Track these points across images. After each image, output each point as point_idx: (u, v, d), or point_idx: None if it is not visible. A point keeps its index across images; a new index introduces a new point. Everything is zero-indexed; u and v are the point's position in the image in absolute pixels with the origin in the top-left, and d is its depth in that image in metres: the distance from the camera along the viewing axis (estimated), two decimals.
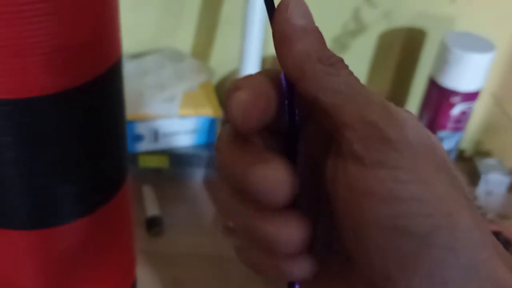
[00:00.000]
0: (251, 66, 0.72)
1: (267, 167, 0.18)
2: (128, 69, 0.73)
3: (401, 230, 0.16)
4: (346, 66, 0.19)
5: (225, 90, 0.21)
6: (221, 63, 0.90)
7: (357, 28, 0.81)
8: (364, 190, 0.17)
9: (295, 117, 0.20)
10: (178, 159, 0.82)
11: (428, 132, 0.18)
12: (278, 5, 0.19)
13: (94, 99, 0.30)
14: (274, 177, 0.17)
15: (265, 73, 0.20)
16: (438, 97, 0.71)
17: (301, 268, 0.19)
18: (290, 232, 0.18)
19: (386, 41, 0.83)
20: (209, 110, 0.80)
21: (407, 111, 0.18)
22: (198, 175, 0.85)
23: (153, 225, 0.75)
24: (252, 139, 0.20)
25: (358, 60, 0.84)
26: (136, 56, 0.82)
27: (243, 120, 0.18)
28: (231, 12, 0.84)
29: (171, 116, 0.76)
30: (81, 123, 0.30)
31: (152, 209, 0.77)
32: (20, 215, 0.31)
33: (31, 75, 0.26)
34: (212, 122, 0.83)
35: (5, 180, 0.30)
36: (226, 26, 0.85)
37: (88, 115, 0.30)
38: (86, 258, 0.35)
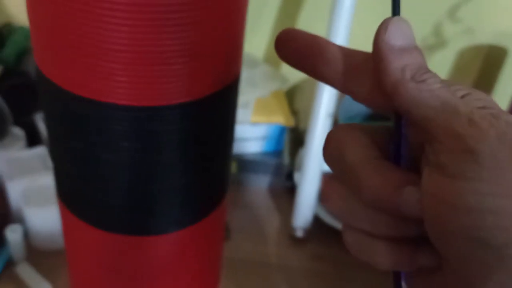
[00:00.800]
0: None
1: (416, 189, 0.19)
2: None
3: (478, 241, 0.17)
4: (438, 81, 0.20)
5: None
6: (292, 70, 0.89)
7: (437, 43, 0.79)
8: (445, 200, 0.18)
9: (401, 139, 0.21)
10: (246, 165, 0.81)
11: None
12: (379, 27, 0.21)
13: (218, 108, 0.30)
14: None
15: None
16: None
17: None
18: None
19: (466, 58, 0.81)
20: (281, 118, 0.79)
21: (505, 114, 0.19)
22: (264, 182, 0.85)
23: None
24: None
25: None
26: None
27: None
28: (307, 19, 0.84)
29: (244, 122, 0.76)
30: (203, 131, 0.30)
31: None
32: (123, 219, 0.32)
33: (166, 84, 0.26)
34: (282, 130, 0.82)
35: (116, 183, 0.30)
36: None
37: (209, 124, 0.30)
38: (179, 267, 0.35)
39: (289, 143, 0.88)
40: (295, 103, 0.89)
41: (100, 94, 0.26)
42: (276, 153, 0.85)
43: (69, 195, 0.33)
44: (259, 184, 0.84)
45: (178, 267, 0.35)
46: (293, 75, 0.89)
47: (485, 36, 0.79)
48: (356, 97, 0.22)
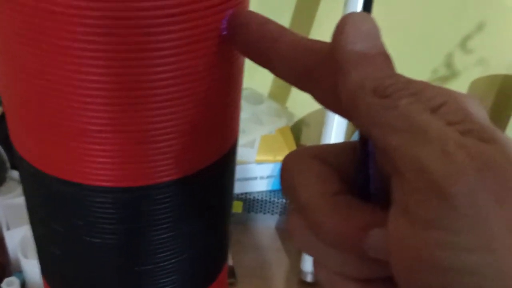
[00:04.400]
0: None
1: (384, 232, 0.16)
2: None
3: None
4: (408, 93, 0.15)
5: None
6: (297, 105, 0.87)
7: (449, 74, 0.77)
8: (413, 253, 0.14)
9: (368, 168, 0.17)
10: (252, 205, 0.78)
11: (508, 173, 0.14)
12: (335, 28, 0.17)
13: (213, 181, 0.27)
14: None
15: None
16: None
17: None
18: None
19: (479, 89, 0.78)
20: None
21: (489, 131, 0.14)
22: (271, 222, 0.81)
23: (227, 275, 0.72)
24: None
25: None
26: None
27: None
28: None
29: (249, 162, 0.73)
30: (197, 206, 0.27)
31: None
32: None
33: (153, 162, 0.24)
34: None
35: (102, 265, 0.27)
36: None
37: (204, 198, 0.27)
38: None
39: None
40: (302, 138, 0.86)
41: (80, 176, 0.23)
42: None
43: (52, 274, 0.30)
44: (267, 224, 0.81)
45: None
46: (299, 110, 0.86)
47: (498, 67, 0.76)
48: (317, 100, 0.19)
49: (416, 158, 0.14)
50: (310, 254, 0.19)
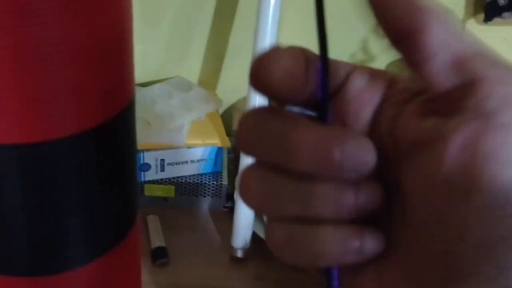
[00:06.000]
0: (260, 95, 0.71)
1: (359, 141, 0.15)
2: (136, 98, 0.72)
3: None
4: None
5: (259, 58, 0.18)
6: (227, 92, 0.90)
7: (366, 58, 0.81)
8: (488, 152, 0.15)
9: (328, 94, 0.18)
10: (184, 188, 0.81)
11: None
12: None
13: (112, 136, 0.29)
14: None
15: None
16: None
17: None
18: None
19: (394, 71, 0.83)
20: (217, 140, 0.79)
21: None
22: (204, 204, 0.84)
23: (158, 256, 0.74)
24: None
25: None
26: (144, 85, 0.82)
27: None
28: (239, 42, 0.85)
29: (179, 146, 0.76)
30: (95, 164, 0.29)
31: (157, 240, 0.76)
32: (24, 261, 0.30)
33: (47, 119, 0.26)
34: (219, 151, 0.82)
35: (10, 226, 0.29)
36: (233, 56, 0.85)
37: (105, 153, 0.29)
38: None
39: (230, 164, 0.88)
40: (234, 124, 0.89)
41: None
42: (215, 174, 0.84)
43: None
44: (199, 207, 0.84)
45: None
46: (229, 96, 0.89)
47: None
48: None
49: (497, 70, 0.14)
50: (269, 205, 0.18)
